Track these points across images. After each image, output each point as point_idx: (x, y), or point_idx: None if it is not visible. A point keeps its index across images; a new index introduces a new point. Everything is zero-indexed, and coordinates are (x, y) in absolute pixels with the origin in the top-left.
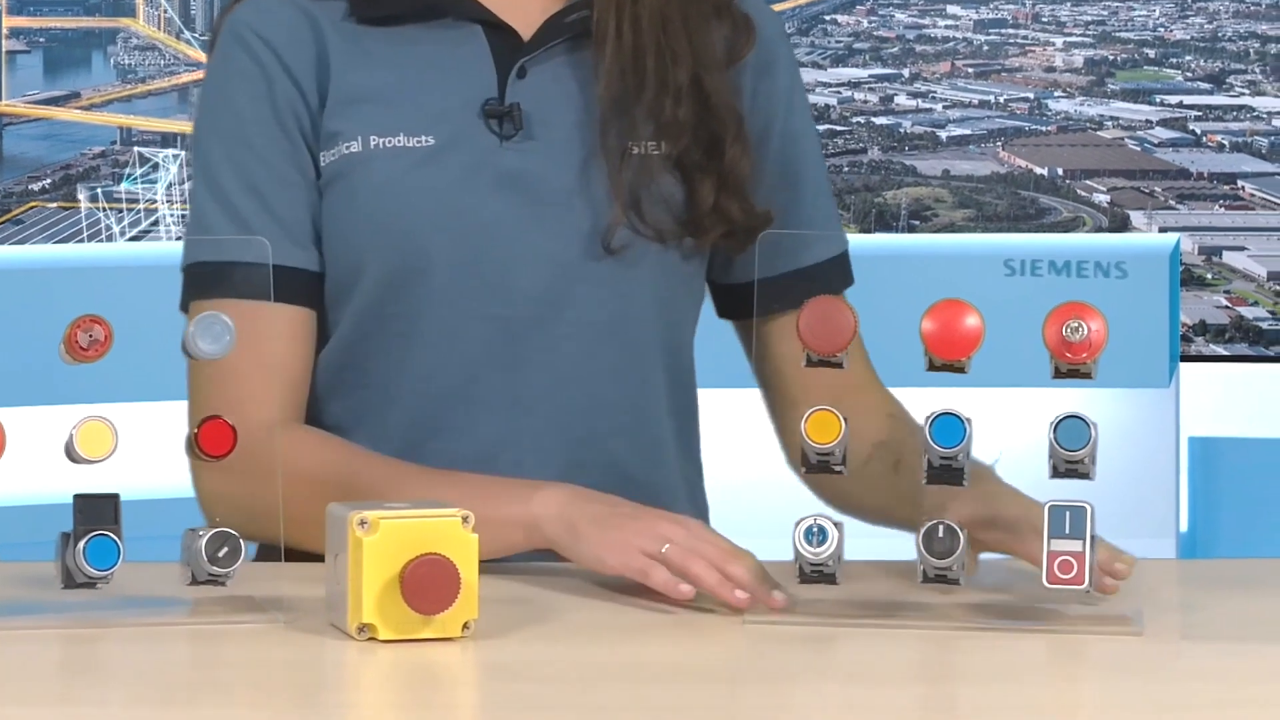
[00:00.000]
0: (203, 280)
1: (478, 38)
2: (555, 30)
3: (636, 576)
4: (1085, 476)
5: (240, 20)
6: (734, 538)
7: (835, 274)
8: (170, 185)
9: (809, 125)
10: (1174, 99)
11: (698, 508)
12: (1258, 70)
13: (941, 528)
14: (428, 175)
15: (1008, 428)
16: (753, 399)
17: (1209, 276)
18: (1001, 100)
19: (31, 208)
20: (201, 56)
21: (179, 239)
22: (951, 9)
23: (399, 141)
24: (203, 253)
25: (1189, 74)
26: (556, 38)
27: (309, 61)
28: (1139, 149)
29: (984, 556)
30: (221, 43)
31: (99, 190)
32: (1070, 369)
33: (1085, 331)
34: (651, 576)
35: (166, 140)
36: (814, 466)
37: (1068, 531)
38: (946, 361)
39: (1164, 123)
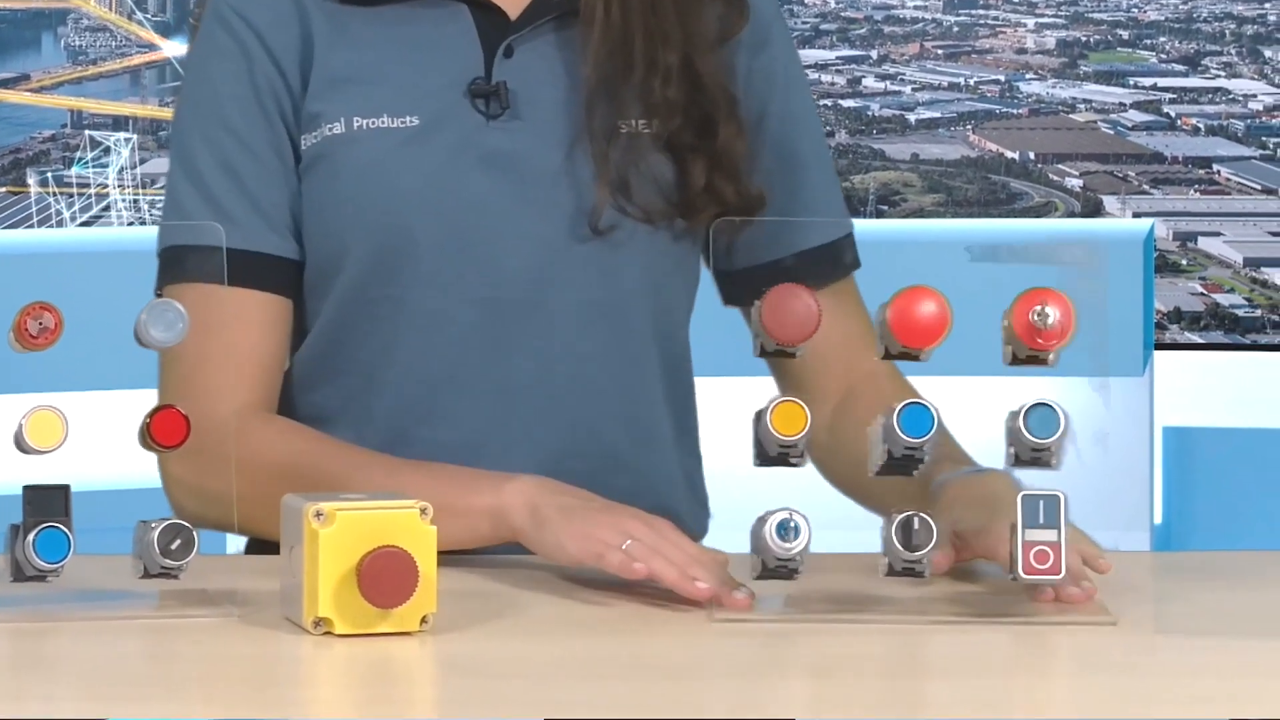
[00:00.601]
0: (175, 265)
1: (464, 16)
2: (543, 9)
3: (591, 560)
4: (1048, 466)
5: (224, 0)
6: (732, 532)
7: (832, 258)
8: (122, 169)
9: (808, 107)
10: (1148, 81)
11: (697, 499)
12: (1233, 52)
13: (916, 520)
14: (412, 155)
15: (978, 416)
16: (753, 387)
17: (1184, 263)
18: (972, 82)
19: None
20: (153, 37)
21: (131, 224)
22: None
23: (382, 122)
24: (176, 237)
25: (1163, 56)
26: (544, 16)
27: (292, 44)
28: (1112, 132)
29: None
30: (205, 23)
31: (49, 174)
32: (1029, 355)
33: (1052, 318)
34: (606, 558)
35: (118, 123)
36: (772, 459)
37: (1041, 521)
38: (907, 349)
39: (1138, 105)
